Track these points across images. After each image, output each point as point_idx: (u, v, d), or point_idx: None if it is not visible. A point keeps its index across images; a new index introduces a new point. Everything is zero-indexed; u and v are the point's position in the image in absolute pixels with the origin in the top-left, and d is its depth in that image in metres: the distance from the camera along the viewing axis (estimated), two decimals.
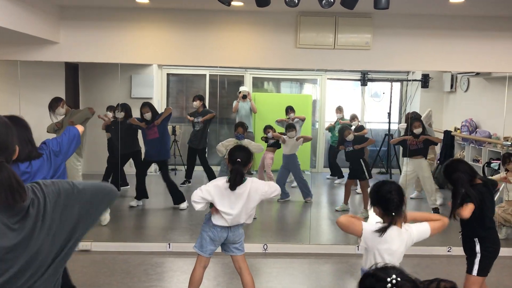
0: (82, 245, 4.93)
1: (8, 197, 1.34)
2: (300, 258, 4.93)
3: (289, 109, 7.26)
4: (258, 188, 3.49)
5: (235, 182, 3.39)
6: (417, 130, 6.23)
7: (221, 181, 3.48)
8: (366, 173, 6.35)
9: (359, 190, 6.93)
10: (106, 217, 5.61)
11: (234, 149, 3.59)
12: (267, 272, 4.59)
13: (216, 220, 3.49)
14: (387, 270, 1.56)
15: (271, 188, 3.56)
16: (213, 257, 3.64)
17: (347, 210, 6.44)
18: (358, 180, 6.61)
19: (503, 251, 3.74)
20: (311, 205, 6.45)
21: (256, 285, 4.26)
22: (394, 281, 1.49)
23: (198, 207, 3.47)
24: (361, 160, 6.37)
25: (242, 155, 3.48)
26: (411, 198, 7.00)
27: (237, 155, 3.47)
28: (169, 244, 5.00)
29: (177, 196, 6.38)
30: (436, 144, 6.72)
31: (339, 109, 7.67)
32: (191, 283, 3.58)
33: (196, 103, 6.89)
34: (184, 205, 6.35)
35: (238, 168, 3.41)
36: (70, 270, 3.14)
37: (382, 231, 2.64)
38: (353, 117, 7.41)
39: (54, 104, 5.29)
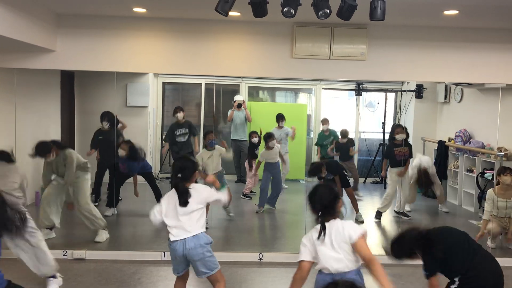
0: (77, 253, 4.91)
1: None
2: (295, 267, 4.90)
3: (280, 118, 7.46)
4: (199, 191, 3.32)
5: (185, 200, 3.24)
6: (400, 136, 6.51)
7: (172, 193, 3.33)
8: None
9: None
10: (102, 236, 5.40)
11: (175, 161, 3.38)
12: (263, 281, 4.58)
13: (170, 236, 3.33)
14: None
15: (213, 195, 3.38)
16: None
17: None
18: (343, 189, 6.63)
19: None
20: (306, 214, 6.42)
21: None
22: None
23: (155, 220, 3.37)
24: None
25: (182, 169, 3.28)
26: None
27: (177, 170, 3.28)
28: (164, 253, 4.98)
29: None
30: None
31: (325, 121, 7.73)
32: None
33: (180, 115, 6.79)
34: None
35: (179, 184, 3.26)
36: (65, 279, 3.08)
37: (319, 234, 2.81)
38: (344, 133, 7.42)
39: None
